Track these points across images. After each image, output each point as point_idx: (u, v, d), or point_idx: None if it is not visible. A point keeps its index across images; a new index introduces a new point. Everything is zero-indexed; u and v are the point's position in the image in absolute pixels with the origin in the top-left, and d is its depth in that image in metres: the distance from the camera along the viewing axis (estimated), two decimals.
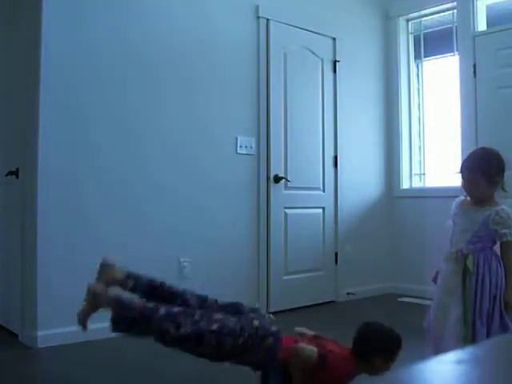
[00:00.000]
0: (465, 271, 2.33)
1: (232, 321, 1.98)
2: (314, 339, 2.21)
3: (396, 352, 2.17)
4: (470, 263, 2.32)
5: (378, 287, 4.88)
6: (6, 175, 3.46)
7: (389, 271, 4.99)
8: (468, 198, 2.45)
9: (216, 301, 2.15)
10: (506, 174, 2.39)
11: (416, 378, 0.72)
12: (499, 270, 2.32)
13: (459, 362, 0.77)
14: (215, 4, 3.98)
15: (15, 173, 3.39)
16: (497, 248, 2.38)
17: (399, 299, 4.74)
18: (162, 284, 2.19)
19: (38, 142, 3.16)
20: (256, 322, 2.02)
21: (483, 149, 2.57)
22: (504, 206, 2.35)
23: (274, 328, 2.05)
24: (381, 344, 2.18)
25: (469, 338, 2.28)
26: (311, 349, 2.06)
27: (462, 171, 2.43)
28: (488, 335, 2.27)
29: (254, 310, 2.15)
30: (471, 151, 2.54)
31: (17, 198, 3.42)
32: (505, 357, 0.83)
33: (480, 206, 2.37)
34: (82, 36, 3.36)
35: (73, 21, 3.32)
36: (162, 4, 3.69)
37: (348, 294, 4.61)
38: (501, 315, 2.29)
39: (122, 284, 2.08)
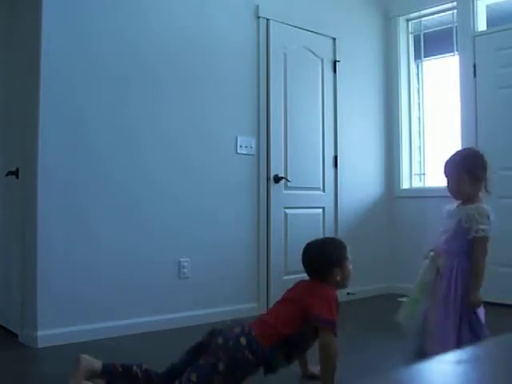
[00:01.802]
0: (438, 270, 2.34)
1: (202, 364, 2.08)
2: (293, 295, 2.33)
3: (345, 253, 2.36)
4: (440, 262, 2.33)
5: (377, 287, 4.88)
6: (6, 175, 3.45)
7: (389, 271, 4.99)
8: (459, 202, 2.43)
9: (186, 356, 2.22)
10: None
11: (416, 378, 0.72)
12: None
13: (459, 362, 0.77)
14: (215, 4, 3.98)
15: (15, 173, 3.39)
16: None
17: (399, 299, 4.73)
18: (136, 372, 2.19)
19: (38, 142, 3.16)
20: (220, 340, 2.11)
21: (468, 148, 2.62)
22: (483, 204, 2.31)
23: (237, 329, 2.15)
24: (330, 253, 2.35)
25: (426, 333, 2.31)
26: (331, 341, 2.19)
27: (445, 169, 2.42)
28: (459, 340, 2.25)
29: (212, 332, 2.20)
30: (455, 151, 2.54)
31: (17, 198, 3.42)
32: (505, 357, 0.82)
33: (464, 205, 2.36)
34: (82, 36, 3.36)
35: (73, 21, 3.33)
36: (161, 4, 3.69)
37: (348, 293, 4.60)
38: (469, 319, 2.27)
39: (99, 376, 2.14)
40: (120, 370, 2.15)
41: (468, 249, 2.29)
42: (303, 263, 2.41)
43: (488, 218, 2.26)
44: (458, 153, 2.49)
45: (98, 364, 2.14)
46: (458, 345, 2.21)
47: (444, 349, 2.22)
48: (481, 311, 2.31)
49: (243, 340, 2.11)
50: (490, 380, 0.73)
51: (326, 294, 2.27)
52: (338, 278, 2.33)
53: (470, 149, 2.65)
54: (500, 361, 0.81)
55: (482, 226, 2.23)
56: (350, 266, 2.40)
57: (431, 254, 2.40)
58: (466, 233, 2.27)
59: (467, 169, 2.35)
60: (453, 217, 2.36)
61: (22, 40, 3.44)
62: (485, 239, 2.26)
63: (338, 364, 2.25)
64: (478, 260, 2.28)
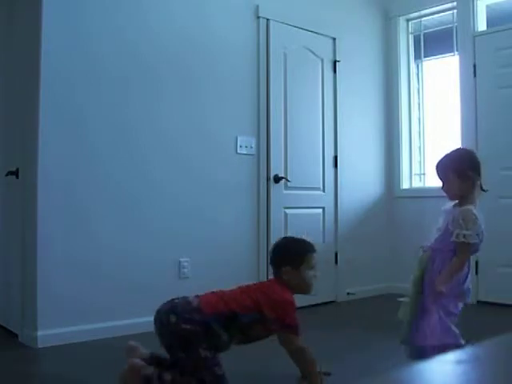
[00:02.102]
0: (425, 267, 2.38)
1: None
2: (252, 287, 2.35)
3: (304, 256, 2.32)
4: (423, 259, 2.38)
5: (378, 287, 4.88)
6: (6, 175, 3.45)
7: (389, 271, 4.99)
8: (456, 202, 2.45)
9: None
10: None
11: (416, 378, 0.72)
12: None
13: (459, 362, 0.77)
14: (215, 4, 3.98)
15: (15, 173, 3.39)
16: None
17: (399, 299, 4.73)
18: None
19: (38, 142, 3.16)
20: (158, 324, 2.22)
21: (458, 149, 2.65)
22: (470, 207, 2.31)
23: (166, 306, 2.21)
24: (285, 250, 2.36)
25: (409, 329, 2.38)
26: (292, 341, 2.21)
27: (437, 172, 2.47)
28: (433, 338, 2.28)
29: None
30: (445, 153, 2.56)
31: (17, 198, 3.42)
32: (505, 357, 0.83)
33: (458, 205, 2.37)
34: (82, 36, 3.36)
35: (73, 21, 3.32)
36: (161, 4, 3.69)
37: (348, 293, 4.61)
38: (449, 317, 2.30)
39: (148, 363, 2.21)
40: (167, 359, 2.24)
41: (454, 248, 2.32)
42: None
43: (474, 223, 2.26)
44: (446, 155, 2.51)
45: (146, 355, 2.24)
46: (434, 344, 2.23)
47: (423, 349, 2.25)
48: (450, 305, 2.33)
49: (173, 317, 2.14)
50: (490, 380, 0.73)
51: (280, 297, 2.25)
52: (287, 278, 2.29)
53: (458, 149, 2.67)
54: (500, 361, 0.81)
55: (464, 232, 2.25)
56: (311, 273, 2.33)
57: (421, 251, 2.44)
58: (452, 234, 2.30)
59: (455, 169, 2.38)
60: (446, 216, 2.38)
61: (22, 40, 3.44)
62: (464, 245, 2.27)
63: (339, 362, 2.25)
64: (456, 260, 2.31)
